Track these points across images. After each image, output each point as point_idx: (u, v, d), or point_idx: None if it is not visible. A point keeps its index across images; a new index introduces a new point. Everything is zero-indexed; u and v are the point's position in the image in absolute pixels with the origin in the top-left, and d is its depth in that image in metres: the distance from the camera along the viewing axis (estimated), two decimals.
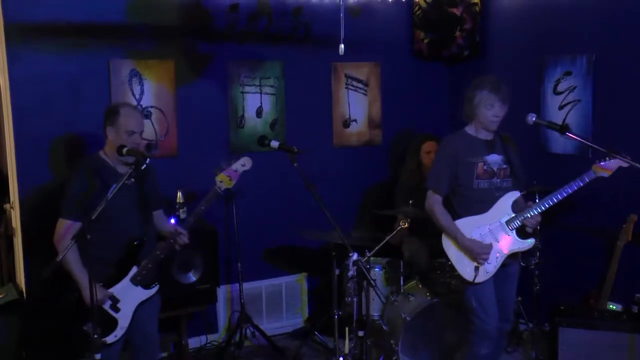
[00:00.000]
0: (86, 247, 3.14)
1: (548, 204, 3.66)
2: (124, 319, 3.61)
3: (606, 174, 3.61)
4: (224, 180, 3.67)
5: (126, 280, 3.62)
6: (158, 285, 3.69)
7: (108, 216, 3.42)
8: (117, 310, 3.60)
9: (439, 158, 3.80)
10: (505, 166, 3.78)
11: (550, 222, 4.46)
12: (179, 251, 3.72)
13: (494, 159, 3.79)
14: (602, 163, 3.59)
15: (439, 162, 3.79)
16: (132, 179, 3.59)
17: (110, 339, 3.56)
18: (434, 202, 3.77)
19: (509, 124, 3.82)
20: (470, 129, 3.76)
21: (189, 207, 4.61)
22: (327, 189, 4.97)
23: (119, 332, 3.59)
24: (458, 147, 3.73)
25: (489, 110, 3.65)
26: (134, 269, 3.62)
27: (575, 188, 3.61)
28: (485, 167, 3.71)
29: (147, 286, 3.66)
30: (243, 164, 3.72)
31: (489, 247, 3.63)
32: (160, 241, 3.69)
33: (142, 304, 3.66)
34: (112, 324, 3.58)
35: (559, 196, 3.64)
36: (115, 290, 3.60)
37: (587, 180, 3.62)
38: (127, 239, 3.60)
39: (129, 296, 3.62)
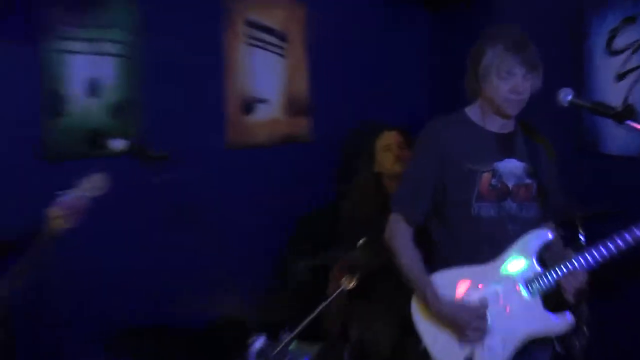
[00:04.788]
0: None
1: (606, 252, 2.78)
2: None
3: None
4: (57, 220, 3.13)
5: None
6: None
7: None
8: None
9: (415, 156, 2.98)
10: (529, 182, 2.87)
11: (605, 281, 3.42)
12: None
13: (511, 167, 2.88)
14: None
15: (413, 163, 2.98)
16: None
17: None
18: (398, 232, 2.95)
19: (535, 108, 2.94)
20: (473, 113, 2.92)
21: None
22: (218, 221, 4.16)
23: None
24: (450, 141, 2.88)
25: (504, 82, 2.77)
26: None
27: None
28: (493, 181, 2.83)
29: None
30: (90, 187, 3.23)
31: (482, 313, 2.84)
32: None
33: None
34: None
35: (628, 237, 2.75)
36: None
37: None
38: None
39: None
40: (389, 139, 4.06)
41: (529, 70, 2.80)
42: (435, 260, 2.96)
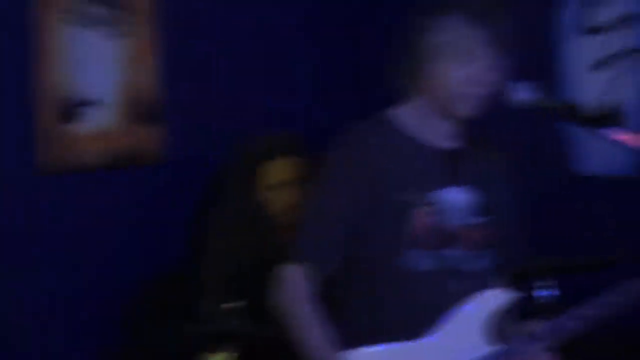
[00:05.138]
0: None
1: (587, 321, 2.55)
2: None
3: None
4: None
5: None
6: None
7: None
8: None
9: (322, 183, 2.66)
10: (482, 220, 2.61)
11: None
12: None
13: (457, 199, 2.59)
14: None
15: (320, 193, 2.65)
16: None
17: None
18: (296, 293, 2.61)
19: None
20: (403, 117, 2.66)
21: None
22: (19, 287, 3.45)
23: None
24: (370, 161, 2.60)
25: (460, 67, 2.50)
26: None
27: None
28: (431, 219, 2.54)
29: None
30: None
31: None
32: None
33: None
34: None
35: (613, 303, 2.55)
36: None
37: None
38: None
39: None
40: (283, 170, 3.39)
41: (499, 54, 2.45)
42: (347, 332, 2.53)
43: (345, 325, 2.57)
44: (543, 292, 3.12)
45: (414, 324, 2.48)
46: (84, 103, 3.62)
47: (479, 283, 2.54)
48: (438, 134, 2.51)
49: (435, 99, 2.48)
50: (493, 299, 2.56)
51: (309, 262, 2.56)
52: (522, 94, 2.43)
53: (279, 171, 3.39)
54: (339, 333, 2.58)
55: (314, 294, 2.57)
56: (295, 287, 2.57)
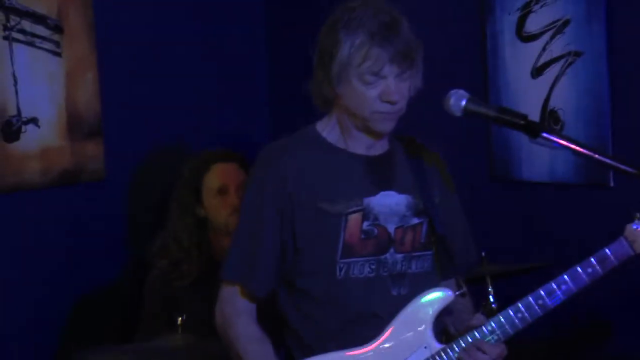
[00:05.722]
0: None
1: (525, 320, 2.53)
2: None
3: None
4: None
5: None
6: None
7: None
8: None
9: (248, 200, 2.63)
10: (417, 221, 2.58)
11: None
12: None
13: (390, 203, 2.58)
14: None
15: (247, 209, 2.61)
16: None
17: None
18: (234, 314, 2.59)
19: (421, 116, 2.83)
20: (327, 129, 2.63)
21: None
22: None
23: None
24: (296, 172, 2.57)
25: (371, 87, 2.47)
26: None
27: (588, 281, 2.55)
28: (366, 225, 2.52)
29: None
30: None
31: None
32: None
33: None
34: None
35: (549, 302, 2.52)
36: None
37: (615, 261, 2.52)
38: None
39: None
40: (224, 175, 3.36)
41: (405, 67, 2.43)
42: (290, 347, 2.57)
43: (288, 340, 2.56)
44: (492, 295, 3.10)
45: (358, 332, 2.46)
46: (24, 121, 3.61)
47: (420, 285, 2.52)
48: (363, 142, 2.50)
49: (352, 116, 2.48)
50: (436, 299, 2.55)
51: (241, 282, 2.55)
52: (458, 101, 2.39)
53: (219, 175, 3.38)
54: (283, 348, 2.58)
55: (250, 312, 2.55)
56: (231, 305, 2.56)
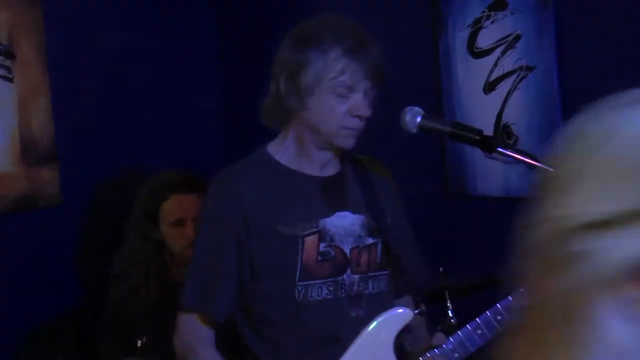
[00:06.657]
0: None
1: (484, 336, 2.58)
2: None
3: None
4: None
5: None
6: None
7: None
8: None
9: (204, 226, 2.63)
10: (372, 241, 2.59)
11: None
12: None
13: (346, 223, 2.60)
14: None
15: (202, 236, 2.61)
16: None
17: None
18: (194, 341, 2.59)
19: (375, 134, 2.71)
20: (279, 150, 2.62)
21: None
22: None
23: None
24: (249, 196, 2.56)
25: (342, 101, 2.48)
26: None
27: None
28: (322, 246, 2.54)
29: None
30: None
31: None
32: None
33: None
34: None
35: (508, 317, 2.70)
36: None
37: None
38: None
39: None
40: (181, 208, 3.27)
41: (376, 83, 2.46)
42: None
43: None
44: (450, 310, 2.96)
45: (318, 355, 2.46)
46: None
47: (377, 305, 2.51)
48: (317, 162, 2.50)
49: (315, 132, 2.46)
50: (395, 319, 2.52)
51: (199, 309, 2.54)
52: (413, 117, 2.40)
53: (177, 208, 3.32)
54: None
55: (210, 338, 2.53)
56: (191, 333, 2.55)
